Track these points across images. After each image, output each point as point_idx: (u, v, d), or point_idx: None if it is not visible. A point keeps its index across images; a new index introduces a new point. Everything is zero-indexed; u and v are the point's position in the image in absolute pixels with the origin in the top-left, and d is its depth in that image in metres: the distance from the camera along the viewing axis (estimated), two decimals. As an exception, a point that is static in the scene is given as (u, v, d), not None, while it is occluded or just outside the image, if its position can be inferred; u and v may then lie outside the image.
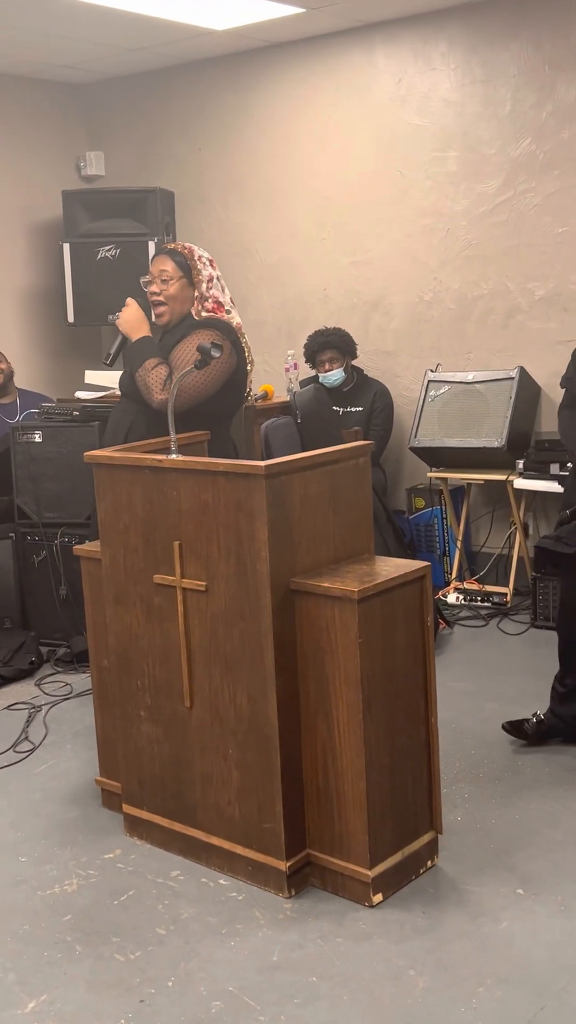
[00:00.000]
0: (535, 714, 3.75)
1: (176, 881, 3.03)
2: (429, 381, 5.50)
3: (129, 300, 3.72)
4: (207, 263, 3.74)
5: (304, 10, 5.25)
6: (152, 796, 3.20)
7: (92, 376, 5.14)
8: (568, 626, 3.64)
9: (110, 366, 3.74)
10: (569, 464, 3.51)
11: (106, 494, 3.15)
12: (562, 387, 3.65)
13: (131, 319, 3.69)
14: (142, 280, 3.75)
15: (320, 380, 5.57)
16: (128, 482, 3.07)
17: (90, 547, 3.37)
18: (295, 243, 6.16)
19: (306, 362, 5.66)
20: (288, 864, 2.90)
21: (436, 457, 5.43)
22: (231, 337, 3.69)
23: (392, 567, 2.90)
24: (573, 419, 3.52)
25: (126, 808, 3.29)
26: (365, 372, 5.79)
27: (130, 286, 3.85)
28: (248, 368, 3.79)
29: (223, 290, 3.78)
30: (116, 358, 3.75)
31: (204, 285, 3.72)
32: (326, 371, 5.60)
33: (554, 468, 4.93)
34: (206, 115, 6.39)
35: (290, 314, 6.24)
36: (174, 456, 3.05)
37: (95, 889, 3.01)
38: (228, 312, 3.77)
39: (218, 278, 3.77)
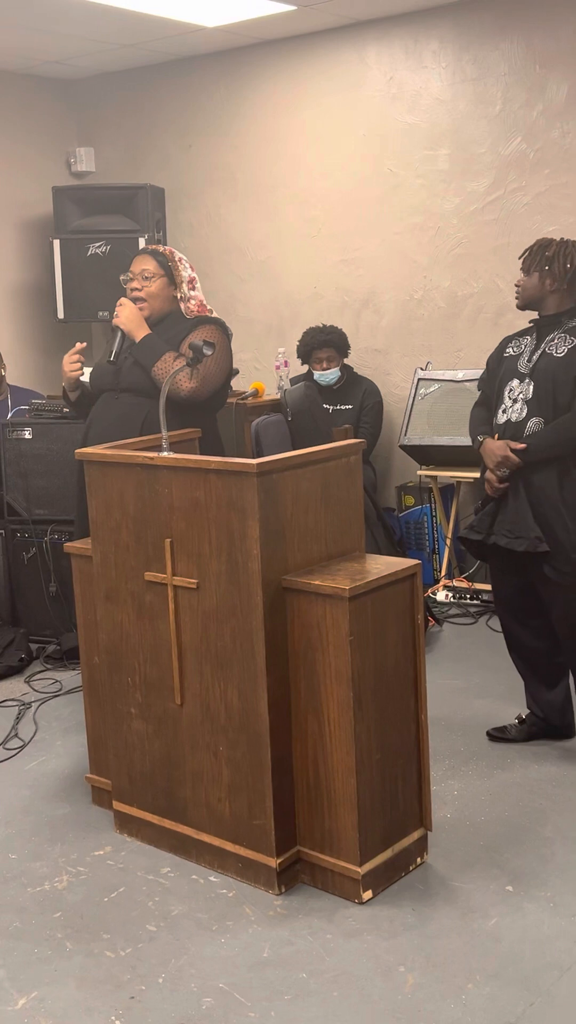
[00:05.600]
0: (518, 716, 3.78)
1: (166, 878, 3.03)
2: (419, 379, 5.51)
3: (123, 300, 3.75)
4: (187, 265, 3.80)
5: (295, 7, 5.25)
6: (142, 793, 3.21)
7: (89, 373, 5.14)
8: (504, 618, 3.72)
9: (115, 364, 3.74)
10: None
11: (97, 491, 3.15)
12: (478, 389, 3.84)
13: (131, 317, 3.71)
14: (122, 278, 3.80)
15: (315, 378, 5.57)
16: (119, 479, 3.07)
17: (81, 544, 3.37)
18: (285, 240, 6.16)
19: (299, 357, 5.65)
20: (278, 861, 2.90)
21: (426, 455, 5.45)
22: (228, 333, 3.81)
23: (383, 565, 2.91)
24: (478, 416, 3.72)
25: (116, 805, 3.29)
26: (355, 370, 5.79)
27: (120, 283, 3.86)
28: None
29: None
30: (119, 355, 3.76)
31: (185, 285, 3.79)
32: (323, 369, 5.59)
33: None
34: (197, 112, 6.39)
35: (280, 312, 6.24)
36: (165, 453, 3.05)
37: (85, 886, 3.01)
38: (211, 311, 3.85)
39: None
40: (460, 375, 5.40)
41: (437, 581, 5.53)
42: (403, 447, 5.47)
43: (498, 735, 3.76)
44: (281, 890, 2.92)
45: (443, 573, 5.56)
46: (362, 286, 5.92)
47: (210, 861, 3.05)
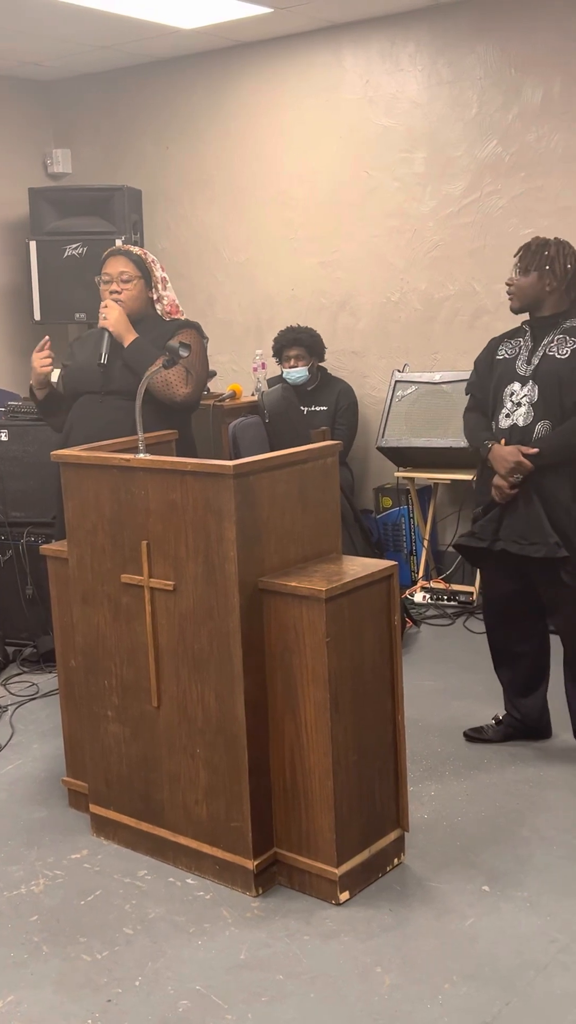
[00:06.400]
0: (495, 717, 3.79)
1: (143, 881, 3.02)
2: (396, 381, 5.52)
3: (108, 302, 3.71)
4: (159, 265, 3.81)
5: (272, 10, 5.26)
6: (119, 796, 3.20)
7: (59, 375, 5.12)
8: (493, 624, 3.70)
9: (104, 366, 3.70)
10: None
11: (73, 493, 3.14)
12: (466, 393, 3.76)
13: (120, 320, 3.69)
14: (97, 279, 3.77)
15: (283, 375, 5.59)
16: (95, 481, 3.07)
17: (57, 547, 3.36)
18: (263, 242, 6.16)
19: (273, 356, 5.66)
20: (255, 863, 2.90)
21: (403, 457, 5.46)
22: (204, 337, 3.84)
23: (359, 566, 2.92)
24: (476, 421, 3.64)
25: (93, 808, 3.28)
26: (329, 371, 5.81)
27: (97, 285, 3.85)
28: None
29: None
30: (107, 358, 3.73)
31: (159, 286, 3.79)
32: (291, 367, 5.61)
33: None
34: (174, 113, 6.39)
35: (258, 313, 6.24)
36: (142, 455, 3.04)
37: (62, 889, 3.00)
38: (182, 312, 3.86)
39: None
40: (437, 377, 5.42)
41: (414, 582, 5.54)
42: (380, 449, 5.49)
43: (475, 736, 3.77)
44: (258, 892, 2.92)
45: (420, 574, 5.57)
46: (339, 288, 5.93)
47: (187, 863, 3.05)
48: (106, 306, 3.71)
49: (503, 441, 3.47)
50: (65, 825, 3.36)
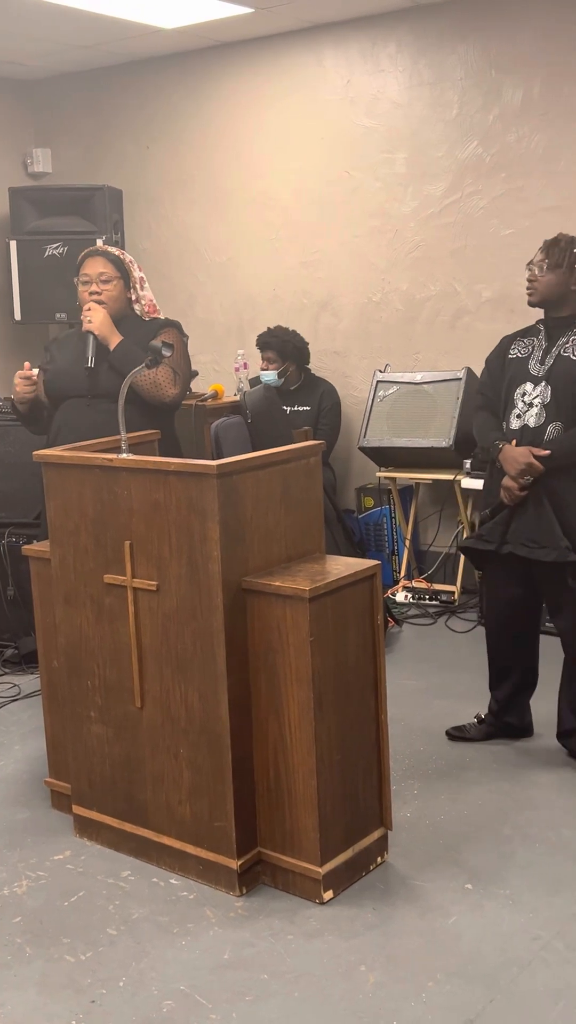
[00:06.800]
0: (476, 715, 3.80)
1: (127, 881, 3.02)
2: (378, 381, 5.53)
3: (92, 305, 3.70)
4: (136, 265, 3.82)
5: (253, 10, 5.26)
6: (102, 797, 3.19)
7: (38, 376, 5.10)
8: (494, 630, 3.69)
9: (92, 369, 3.69)
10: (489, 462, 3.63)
11: (56, 494, 3.13)
12: (478, 392, 3.72)
13: (104, 323, 3.68)
14: (75, 280, 3.76)
15: (259, 376, 5.60)
16: (78, 481, 3.06)
17: (39, 547, 3.35)
18: (244, 242, 6.17)
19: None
20: (239, 862, 2.90)
21: (385, 457, 5.47)
22: (185, 335, 3.83)
23: (342, 566, 2.92)
24: (486, 421, 3.60)
25: (76, 809, 3.27)
26: (312, 371, 5.81)
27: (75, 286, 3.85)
28: None
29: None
30: (94, 361, 3.72)
31: (138, 286, 3.78)
32: (263, 368, 5.63)
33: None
34: (154, 113, 6.38)
35: (240, 314, 6.25)
36: (125, 455, 3.04)
37: (45, 891, 2.99)
38: (159, 312, 3.86)
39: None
40: (418, 377, 5.43)
41: (396, 582, 5.55)
42: (362, 449, 5.49)
43: (457, 734, 3.79)
44: (242, 892, 2.92)
45: (402, 574, 5.59)
46: (321, 289, 5.94)
47: (171, 864, 3.05)
48: (89, 309, 3.70)
49: (514, 442, 3.44)
50: (48, 826, 3.35)
